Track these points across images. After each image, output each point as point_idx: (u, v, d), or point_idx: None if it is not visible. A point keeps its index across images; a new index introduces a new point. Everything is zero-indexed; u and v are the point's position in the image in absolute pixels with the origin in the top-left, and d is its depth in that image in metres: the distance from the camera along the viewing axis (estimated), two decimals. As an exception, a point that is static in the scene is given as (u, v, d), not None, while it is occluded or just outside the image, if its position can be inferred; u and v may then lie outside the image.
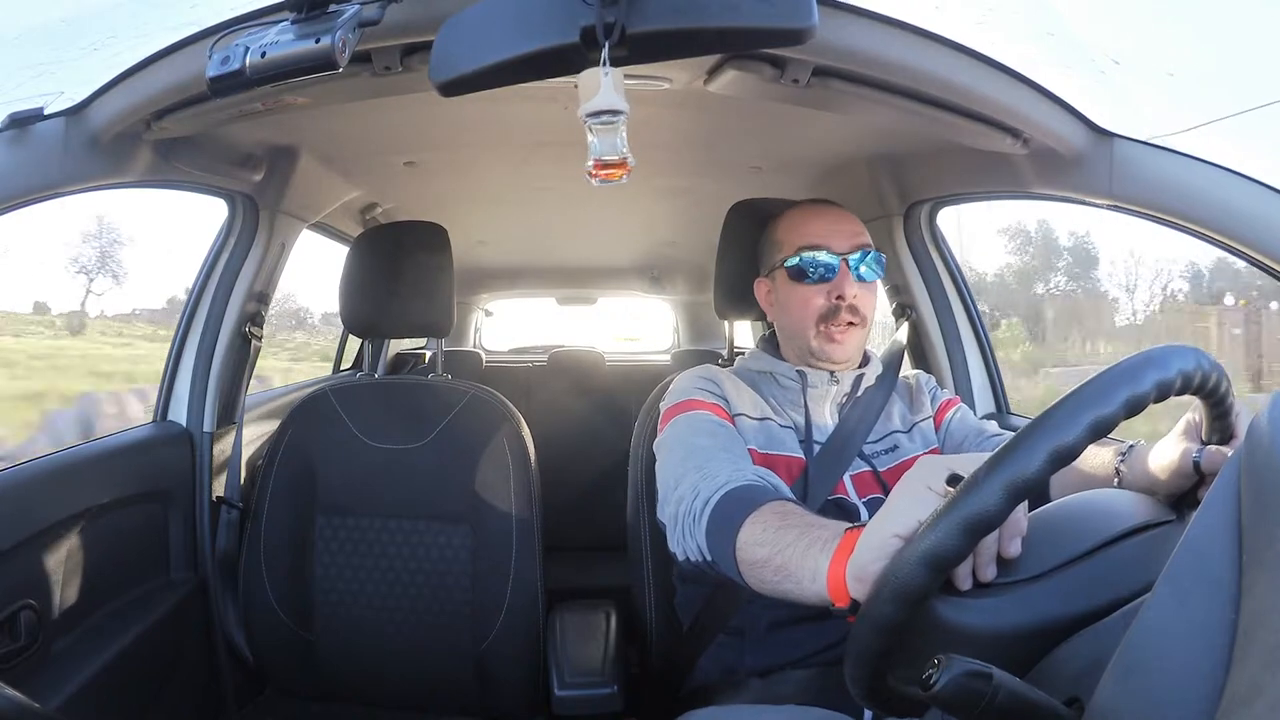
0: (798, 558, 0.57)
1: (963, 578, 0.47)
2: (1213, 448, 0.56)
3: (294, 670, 1.16)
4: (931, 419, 1.01)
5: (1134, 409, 0.43)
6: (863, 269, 0.93)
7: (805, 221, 0.97)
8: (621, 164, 0.61)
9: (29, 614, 0.88)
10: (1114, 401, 0.42)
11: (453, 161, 1.40)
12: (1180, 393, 0.47)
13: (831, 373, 0.96)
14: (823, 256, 0.92)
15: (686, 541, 0.76)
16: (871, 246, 0.95)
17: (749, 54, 0.77)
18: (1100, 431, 0.42)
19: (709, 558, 0.72)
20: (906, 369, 1.12)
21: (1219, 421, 0.54)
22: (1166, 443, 0.60)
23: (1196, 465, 0.57)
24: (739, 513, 0.68)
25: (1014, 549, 0.48)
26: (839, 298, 0.91)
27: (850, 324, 0.93)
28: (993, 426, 1.01)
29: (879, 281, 0.99)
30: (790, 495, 0.77)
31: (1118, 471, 0.68)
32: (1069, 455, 0.41)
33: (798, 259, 0.93)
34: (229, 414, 1.29)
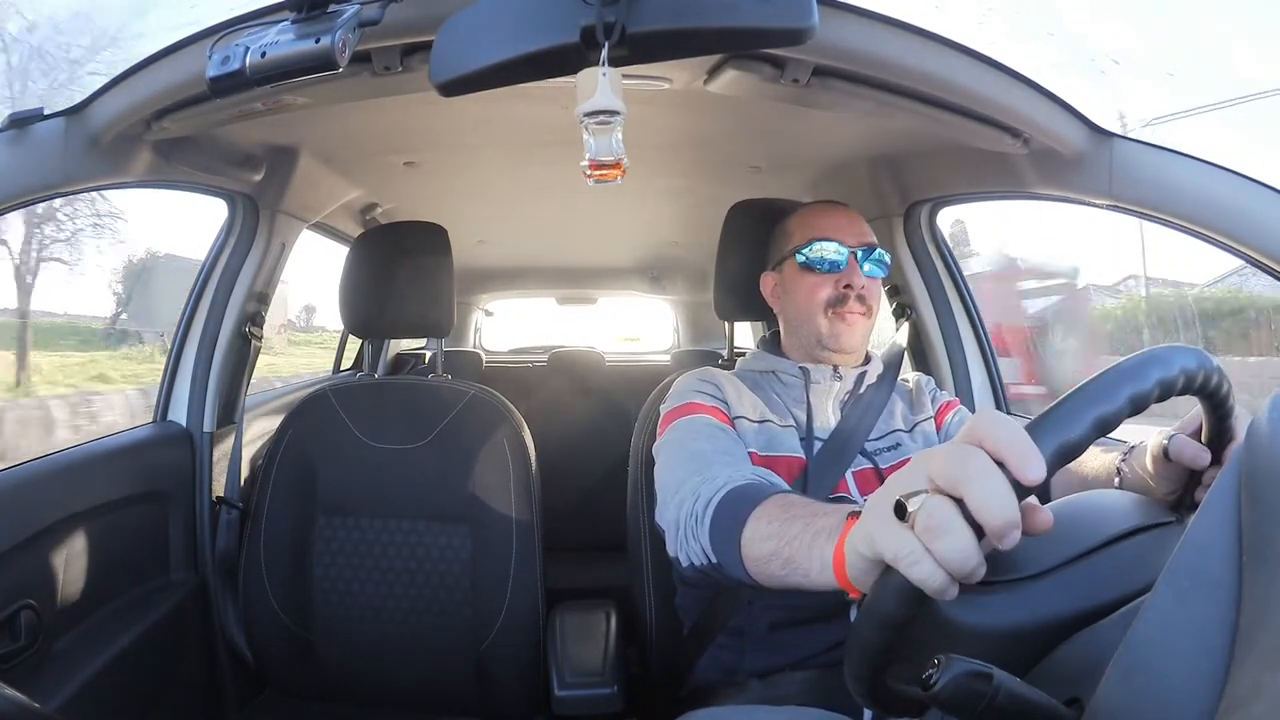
0: (804, 548, 0.56)
1: None
2: (1182, 436, 0.57)
3: (294, 670, 1.16)
4: (932, 420, 1.01)
5: (1138, 406, 0.43)
6: (869, 264, 0.96)
7: (817, 216, 0.99)
8: (616, 165, 0.61)
9: (29, 614, 0.88)
10: (1118, 399, 0.42)
11: (453, 161, 1.40)
12: (1182, 392, 0.47)
13: (835, 368, 0.96)
14: (833, 247, 0.95)
15: (690, 545, 0.75)
16: (878, 245, 0.98)
17: (749, 54, 0.77)
18: (1103, 429, 0.42)
19: (714, 559, 0.71)
20: (906, 370, 1.12)
21: (1219, 424, 0.54)
22: (1156, 438, 0.60)
23: (1165, 451, 0.57)
24: (742, 510, 0.67)
25: (1010, 541, 0.46)
26: (847, 286, 0.94)
27: (857, 312, 0.95)
28: None
29: (880, 281, 1.00)
30: (789, 489, 0.77)
31: (1119, 472, 0.68)
32: (1073, 452, 0.41)
33: (809, 248, 0.96)
34: (229, 414, 1.29)
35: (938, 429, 1.01)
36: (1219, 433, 0.55)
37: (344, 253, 1.25)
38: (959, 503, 0.39)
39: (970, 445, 0.40)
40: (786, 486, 0.79)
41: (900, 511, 0.41)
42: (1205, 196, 0.82)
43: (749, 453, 0.89)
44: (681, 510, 0.77)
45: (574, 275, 2.70)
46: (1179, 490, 0.59)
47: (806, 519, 0.58)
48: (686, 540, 0.75)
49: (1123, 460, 0.68)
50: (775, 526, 0.61)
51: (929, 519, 0.39)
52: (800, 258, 0.96)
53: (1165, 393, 0.44)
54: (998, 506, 0.38)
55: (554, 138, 1.21)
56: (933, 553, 0.39)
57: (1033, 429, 0.41)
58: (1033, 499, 0.42)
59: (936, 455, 0.41)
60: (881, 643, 0.43)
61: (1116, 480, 0.67)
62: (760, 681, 0.88)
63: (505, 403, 1.19)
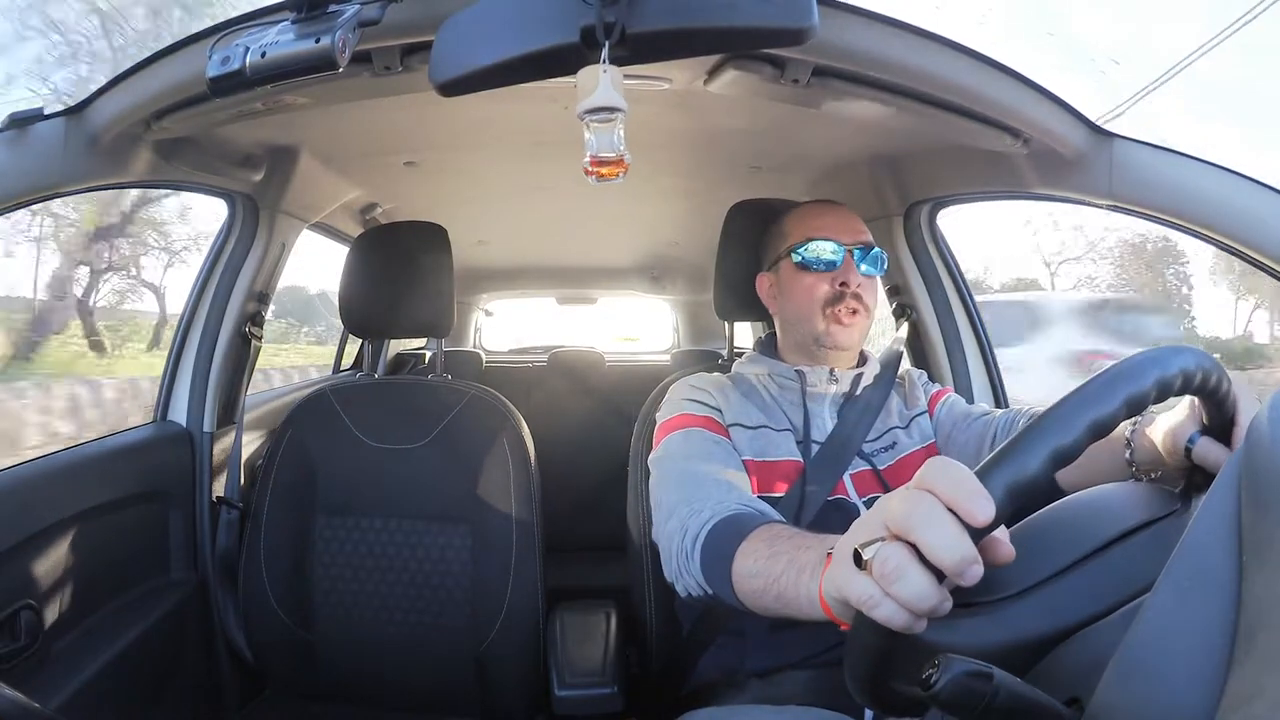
0: (791, 587, 0.57)
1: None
2: (1207, 440, 0.56)
3: (294, 670, 1.16)
4: (926, 413, 1.01)
5: (1101, 430, 0.42)
6: (864, 263, 0.95)
7: (812, 215, 0.99)
8: (619, 162, 0.61)
9: (29, 614, 0.88)
10: (1076, 428, 0.41)
11: (453, 161, 1.39)
12: (1180, 393, 0.47)
13: (831, 371, 0.96)
14: (828, 246, 0.95)
15: (685, 578, 0.76)
16: (874, 244, 0.97)
17: (749, 54, 0.77)
18: (1061, 461, 0.41)
19: (709, 592, 0.72)
20: (904, 368, 1.12)
21: (1217, 408, 0.54)
22: (1170, 417, 0.59)
23: (1188, 451, 0.56)
24: (728, 546, 0.68)
25: (969, 578, 0.41)
26: (843, 284, 0.94)
27: (855, 311, 0.94)
28: (980, 408, 1.00)
29: (879, 280, 1.00)
30: (777, 516, 0.77)
31: (1128, 443, 0.66)
32: (1029, 489, 0.40)
33: (804, 247, 0.95)
34: (229, 414, 1.29)
35: (930, 419, 1.01)
36: (1219, 415, 0.54)
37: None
38: (914, 546, 0.40)
39: (920, 490, 0.41)
40: (774, 513, 0.79)
41: (859, 559, 0.42)
42: (1205, 196, 0.82)
43: (745, 460, 0.89)
44: (672, 543, 0.78)
45: (574, 275, 2.70)
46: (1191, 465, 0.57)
47: (790, 555, 0.59)
48: (681, 574, 0.77)
49: (1133, 430, 0.65)
50: (761, 564, 0.63)
51: (883, 566, 0.41)
52: (796, 257, 0.96)
53: (1135, 409, 0.43)
54: (948, 548, 0.39)
55: (554, 138, 1.21)
56: (891, 596, 0.41)
57: (984, 470, 0.41)
58: (1000, 530, 0.42)
59: (891, 502, 0.42)
60: (870, 664, 0.44)
61: (1127, 453, 0.65)
62: (761, 681, 0.88)
63: (505, 403, 1.19)
